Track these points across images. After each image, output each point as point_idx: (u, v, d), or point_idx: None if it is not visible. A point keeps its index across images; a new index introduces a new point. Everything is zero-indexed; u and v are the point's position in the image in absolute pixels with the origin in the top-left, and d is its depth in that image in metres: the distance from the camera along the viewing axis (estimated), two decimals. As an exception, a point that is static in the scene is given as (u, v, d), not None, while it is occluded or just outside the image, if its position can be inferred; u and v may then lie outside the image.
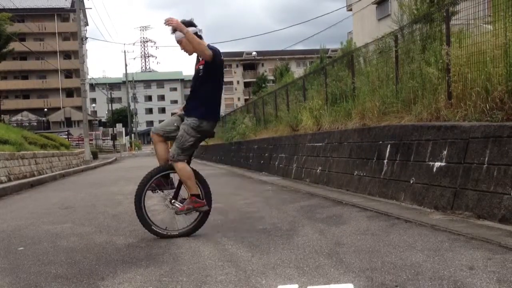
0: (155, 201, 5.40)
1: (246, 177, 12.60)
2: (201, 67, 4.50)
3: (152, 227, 4.51)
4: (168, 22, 4.34)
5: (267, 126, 15.92)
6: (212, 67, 4.45)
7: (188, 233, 4.53)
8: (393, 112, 7.25)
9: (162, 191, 4.59)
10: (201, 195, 4.53)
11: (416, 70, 6.93)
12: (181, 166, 4.45)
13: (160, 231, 4.50)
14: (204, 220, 4.60)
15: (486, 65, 5.41)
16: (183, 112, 4.57)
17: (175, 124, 4.57)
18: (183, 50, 4.57)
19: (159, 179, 4.53)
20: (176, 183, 4.60)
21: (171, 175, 4.60)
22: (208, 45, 4.55)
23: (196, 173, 4.54)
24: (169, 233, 4.51)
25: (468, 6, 5.89)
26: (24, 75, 62.42)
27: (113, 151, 45.93)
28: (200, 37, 4.53)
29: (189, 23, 4.50)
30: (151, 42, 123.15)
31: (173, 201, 4.55)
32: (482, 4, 5.72)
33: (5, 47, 29.95)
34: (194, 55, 4.64)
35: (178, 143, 4.46)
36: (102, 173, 17.72)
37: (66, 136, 38.57)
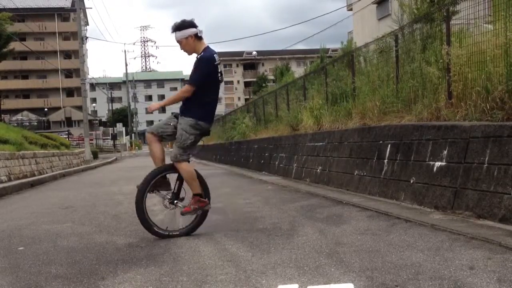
0: (154, 201, 5.40)
1: (246, 177, 12.60)
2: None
3: (154, 228, 4.51)
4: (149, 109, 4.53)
5: (267, 126, 15.91)
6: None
7: (188, 232, 4.54)
8: (394, 111, 7.24)
9: (160, 192, 4.59)
10: (203, 194, 4.54)
11: (416, 70, 6.93)
12: (185, 166, 4.47)
13: (161, 232, 4.50)
14: (204, 218, 4.61)
15: (486, 64, 5.41)
16: (177, 112, 4.59)
17: (170, 123, 4.59)
18: (182, 50, 4.59)
19: (159, 180, 4.53)
20: (172, 184, 4.60)
21: (168, 175, 4.60)
22: (207, 47, 4.56)
23: (197, 174, 4.55)
24: (170, 233, 4.51)
25: (468, 5, 5.89)
26: (24, 74, 62.40)
27: (113, 150, 45.92)
28: (200, 37, 4.54)
29: (190, 24, 4.52)
30: (151, 41, 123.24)
31: (175, 201, 4.55)
32: (482, 3, 5.71)
33: (6, 47, 29.98)
34: (194, 54, 4.65)
35: (179, 143, 4.46)
36: (102, 173, 17.72)
37: (66, 136, 38.55)
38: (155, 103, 4.53)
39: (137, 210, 4.49)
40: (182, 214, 4.54)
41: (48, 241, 4.61)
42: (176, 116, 4.59)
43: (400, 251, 3.55)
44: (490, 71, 5.31)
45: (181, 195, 4.61)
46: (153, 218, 4.69)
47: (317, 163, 9.50)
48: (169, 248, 4.04)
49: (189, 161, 4.57)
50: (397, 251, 3.54)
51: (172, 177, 4.60)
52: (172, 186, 4.60)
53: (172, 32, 4.53)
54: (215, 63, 4.50)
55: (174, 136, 4.57)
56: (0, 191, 9.67)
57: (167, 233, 4.50)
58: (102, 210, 6.80)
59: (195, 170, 4.56)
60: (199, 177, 4.59)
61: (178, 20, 4.62)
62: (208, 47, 4.58)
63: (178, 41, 4.54)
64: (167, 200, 4.57)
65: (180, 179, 4.56)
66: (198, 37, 4.53)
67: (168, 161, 4.60)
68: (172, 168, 4.54)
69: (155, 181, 4.52)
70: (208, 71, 4.47)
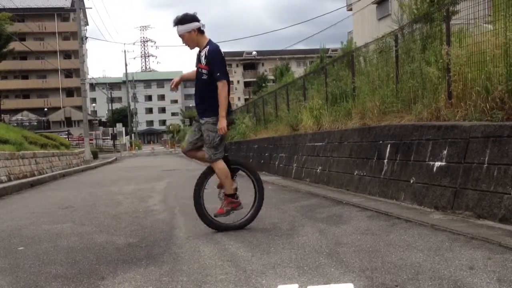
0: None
1: (246, 177, 12.57)
2: (204, 70, 4.50)
3: (213, 221, 4.64)
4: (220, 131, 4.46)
5: (267, 126, 15.91)
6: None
7: (243, 224, 4.71)
8: (393, 111, 7.25)
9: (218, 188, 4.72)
10: (235, 194, 4.64)
11: (416, 70, 6.93)
12: (220, 165, 4.55)
13: (219, 224, 4.64)
14: (259, 210, 4.80)
15: (486, 64, 5.41)
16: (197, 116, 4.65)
17: (195, 130, 4.67)
18: (185, 44, 4.58)
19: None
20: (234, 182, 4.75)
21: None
22: (210, 41, 4.55)
23: (249, 168, 4.82)
24: (228, 226, 4.64)
25: (468, 5, 5.89)
26: (24, 74, 62.41)
27: (113, 150, 45.91)
28: (202, 32, 4.53)
29: (192, 18, 4.50)
30: (151, 41, 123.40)
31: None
32: (482, 3, 5.71)
33: (5, 47, 29.97)
34: (196, 49, 4.63)
35: (208, 144, 4.51)
36: (102, 173, 17.72)
37: (66, 136, 38.56)
38: (223, 124, 4.41)
39: (195, 204, 4.60)
40: (215, 216, 4.63)
41: (48, 241, 4.61)
42: (197, 120, 4.68)
43: (400, 251, 3.55)
44: (490, 71, 5.31)
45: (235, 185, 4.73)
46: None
47: (317, 163, 9.50)
48: (169, 248, 4.04)
49: (223, 159, 4.61)
50: (397, 251, 3.54)
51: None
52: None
53: (174, 25, 4.50)
54: (222, 54, 4.55)
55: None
56: (0, 191, 9.67)
57: (225, 226, 4.64)
58: (102, 210, 6.80)
59: (246, 164, 4.70)
60: (258, 180, 4.76)
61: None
62: (210, 40, 4.57)
63: (180, 35, 4.52)
64: (221, 193, 4.67)
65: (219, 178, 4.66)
66: (200, 31, 4.52)
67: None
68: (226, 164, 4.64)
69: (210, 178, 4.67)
70: (224, 61, 4.52)
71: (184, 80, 5.04)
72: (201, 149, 4.69)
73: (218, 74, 4.40)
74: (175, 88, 4.98)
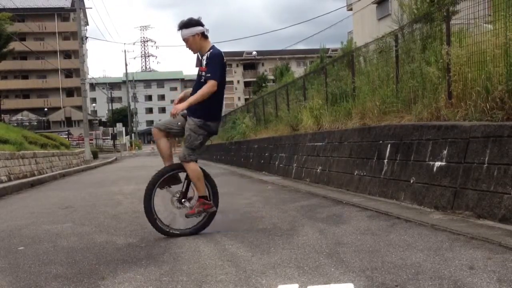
0: (159, 201, 5.42)
1: (246, 177, 12.60)
2: (203, 73, 4.50)
3: (157, 222, 4.53)
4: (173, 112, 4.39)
5: (267, 126, 15.91)
6: None
7: (195, 231, 4.57)
8: (394, 111, 7.24)
9: (170, 187, 4.61)
10: (208, 196, 4.57)
11: (416, 70, 6.92)
12: (193, 166, 4.49)
13: (166, 230, 4.53)
14: (211, 219, 4.64)
15: (486, 64, 5.40)
16: (185, 112, 4.57)
17: (178, 123, 4.59)
18: (188, 48, 4.59)
19: (169, 177, 4.57)
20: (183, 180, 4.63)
21: (179, 174, 4.64)
22: (213, 46, 4.57)
23: (204, 173, 4.57)
24: (173, 232, 4.53)
25: (468, 5, 5.89)
26: (24, 74, 62.43)
27: (113, 150, 45.91)
28: (206, 36, 4.55)
29: (197, 22, 4.52)
30: (151, 41, 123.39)
31: (183, 200, 4.58)
32: (482, 3, 5.71)
33: (5, 47, 29.97)
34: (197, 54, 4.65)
35: (187, 143, 4.49)
36: (102, 173, 17.72)
37: (66, 136, 38.59)
38: (180, 105, 4.41)
39: (144, 202, 4.51)
40: (187, 216, 4.55)
41: (48, 241, 4.61)
42: (184, 115, 4.58)
43: (400, 251, 3.55)
44: (490, 71, 5.31)
45: (190, 194, 4.63)
46: (160, 216, 4.68)
47: (317, 163, 9.50)
48: (169, 248, 4.04)
49: (196, 161, 4.57)
50: (397, 251, 3.54)
51: (182, 176, 4.63)
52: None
53: (179, 29, 4.52)
54: (224, 60, 4.54)
55: (180, 134, 4.60)
56: (0, 191, 9.67)
57: (171, 232, 4.53)
58: (102, 210, 6.80)
59: (204, 171, 4.57)
60: (208, 178, 4.62)
61: (179, 20, 4.63)
62: (214, 46, 4.59)
63: (184, 39, 4.53)
64: (175, 198, 4.59)
65: (189, 179, 4.58)
66: (204, 36, 4.54)
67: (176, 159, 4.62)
68: (182, 167, 4.55)
69: (166, 178, 4.55)
70: (223, 67, 4.51)
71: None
72: (167, 137, 4.63)
73: (209, 74, 4.39)
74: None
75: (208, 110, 4.47)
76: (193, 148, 4.48)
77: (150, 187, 4.52)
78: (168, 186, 4.60)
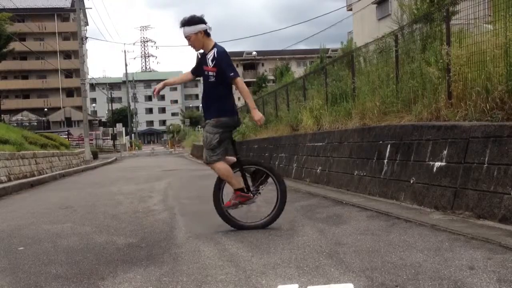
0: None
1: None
2: (210, 73, 4.52)
3: (232, 220, 4.68)
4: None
5: (267, 126, 15.90)
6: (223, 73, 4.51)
7: (267, 223, 4.72)
8: (393, 112, 7.24)
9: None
10: (244, 188, 4.64)
11: (416, 70, 6.93)
12: (218, 166, 4.54)
13: (240, 223, 4.68)
14: (282, 209, 4.77)
15: (486, 64, 5.41)
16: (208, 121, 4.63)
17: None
18: (190, 46, 4.59)
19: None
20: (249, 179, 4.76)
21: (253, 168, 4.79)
22: (216, 43, 4.57)
23: (271, 169, 4.81)
24: (249, 225, 4.67)
25: (468, 5, 5.89)
26: (24, 75, 62.42)
27: (113, 151, 45.93)
28: (209, 34, 4.55)
29: (200, 20, 4.52)
30: (151, 42, 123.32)
31: (251, 189, 4.69)
32: (482, 3, 5.72)
33: (5, 47, 29.98)
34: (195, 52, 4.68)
35: (206, 145, 4.54)
36: (102, 173, 17.72)
37: (66, 136, 38.53)
38: (258, 115, 4.53)
39: (214, 203, 4.65)
40: (223, 208, 4.65)
41: (48, 241, 4.61)
42: (202, 126, 4.74)
43: (400, 251, 3.55)
44: (490, 71, 5.31)
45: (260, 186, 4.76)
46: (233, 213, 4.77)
47: (317, 163, 9.50)
48: (169, 248, 4.04)
49: (222, 160, 4.60)
50: (397, 251, 3.54)
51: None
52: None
53: (181, 26, 4.51)
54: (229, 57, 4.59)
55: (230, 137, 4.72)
56: (0, 191, 9.67)
57: (247, 225, 4.67)
58: (102, 210, 6.80)
59: (270, 167, 4.75)
60: (267, 168, 4.79)
61: (179, 20, 4.60)
62: (216, 43, 4.59)
63: (186, 36, 4.53)
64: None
65: (242, 173, 4.67)
66: (207, 34, 4.53)
67: None
68: (238, 164, 4.66)
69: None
70: (232, 61, 4.56)
71: (169, 85, 5.05)
72: (226, 156, 4.69)
73: (232, 73, 4.45)
74: (157, 94, 5.17)
75: (218, 108, 4.50)
76: (212, 148, 4.50)
77: (216, 188, 4.65)
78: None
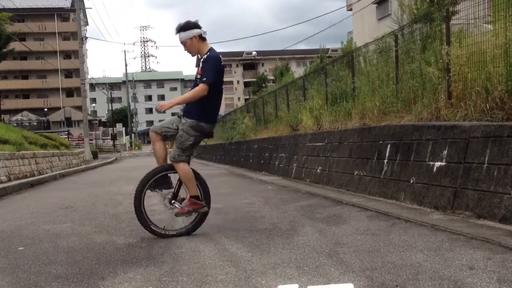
0: (154, 201, 5.40)
1: (246, 177, 12.60)
2: (198, 76, 4.51)
3: (151, 226, 4.51)
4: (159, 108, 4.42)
5: (267, 126, 15.91)
6: None
7: (187, 232, 4.54)
8: (393, 112, 7.25)
9: (161, 190, 4.58)
10: (200, 196, 4.54)
11: (416, 70, 6.93)
12: (182, 167, 4.46)
13: (158, 231, 4.50)
14: (203, 220, 4.61)
15: (486, 64, 5.41)
16: (181, 113, 4.58)
17: (174, 124, 4.58)
18: (186, 51, 4.59)
19: (159, 178, 4.54)
20: (174, 183, 4.60)
21: (170, 175, 4.60)
22: (211, 48, 4.56)
23: (195, 174, 4.55)
24: (168, 233, 4.51)
25: (468, 5, 5.89)
26: (24, 75, 62.42)
27: (113, 151, 45.92)
28: (204, 38, 4.54)
29: (194, 25, 4.52)
30: (151, 42, 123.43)
31: (172, 201, 4.55)
32: (482, 3, 5.72)
33: (5, 47, 29.98)
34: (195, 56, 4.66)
35: (178, 143, 4.47)
36: (102, 173, 17.72)
37: (66, 136, 38.55)
38: (166, 102, 4.44)
39: (135, 207, 4.50)
40: (176, 215, 4.55)
41: (48, 241, 4.61)
42: (180, 116, 4.59)
43: (400, 251, 3.55)
44: (490, 71, 5.31)
45: (182, 195, 4.60)
46: (153, 217, 4.68)
47: (317, 163, 9.50)
48: (169, 248, 4.04)
49: (188, 162, 4.56)
50: (397, 251, 3.54)
51: (175, 177, 4.60)
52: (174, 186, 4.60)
53: (177, 33, 4.52)
54: (222, 63, 4.54)
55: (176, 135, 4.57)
56: (0, 191, 9.66)
57: (165, 233, 4.50)
58: (102, 210, 6.80)
59: (194, 171, 4.56)
60: (200, 179, 4.58)
61: (179, 20, 4.63)
62: (212, 48, 4.59)
63: (182, 42, 4.53)
64: (166, 199, 4.56)
65: (181, 180, 4.56)
66: (202, 38, 4.53)
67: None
68: (174, 168, 4.53)
69: (156, 179, 4.53)
70: (218, 69, 4.50)
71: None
72: (164, 140, 4.63)
73: (205, 78, 4.38)
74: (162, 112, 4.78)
75: (202, 111, 4.46)
76: (183, 148, 4.45)
77: (140, 188, 4.50)
78: (159, 190, 4.56)
